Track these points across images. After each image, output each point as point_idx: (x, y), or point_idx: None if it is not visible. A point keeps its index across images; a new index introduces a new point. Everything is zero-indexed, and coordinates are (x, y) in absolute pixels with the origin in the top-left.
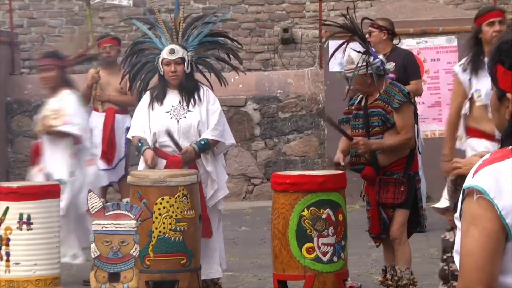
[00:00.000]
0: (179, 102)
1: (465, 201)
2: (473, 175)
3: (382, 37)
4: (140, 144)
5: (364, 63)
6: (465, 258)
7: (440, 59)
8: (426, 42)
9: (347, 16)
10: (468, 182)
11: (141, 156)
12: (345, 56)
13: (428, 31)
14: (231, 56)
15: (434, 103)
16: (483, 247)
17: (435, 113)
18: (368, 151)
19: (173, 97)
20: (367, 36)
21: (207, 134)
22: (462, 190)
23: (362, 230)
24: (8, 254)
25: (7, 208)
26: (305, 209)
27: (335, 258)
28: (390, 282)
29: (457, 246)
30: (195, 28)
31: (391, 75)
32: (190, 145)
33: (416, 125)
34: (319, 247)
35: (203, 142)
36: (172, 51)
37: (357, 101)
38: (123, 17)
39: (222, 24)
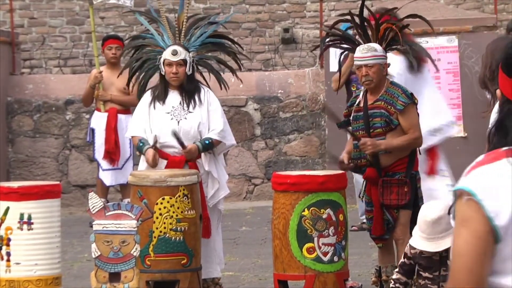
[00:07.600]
0: (180, 103)
1: (456, 202)
2: (465, 176)
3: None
4: (141, 144)
5: (385, 55)
6: (455, 258)
7: (440, 59)
8: (427, 42)
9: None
10: (459, 184)
11: (142, 156)
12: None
13: (429, 31)
14: (232, 59)
15: None
16: (472, 249)
17: None
18: (376, 152)
19: (173, 98)
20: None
21: (212, 134)
22: (454, 191)
23: (362, 230)
24: (8, 254)
25: (7, 208)
26: (306, 209)
27: (335, 258)
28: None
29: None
30: (198, 28)
31: None
32: (194, 143)
33: None
34: (319, 247)
35: (207, 142)
36: (174, 53)
37: (356, 103)
38: (125, 15)
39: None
